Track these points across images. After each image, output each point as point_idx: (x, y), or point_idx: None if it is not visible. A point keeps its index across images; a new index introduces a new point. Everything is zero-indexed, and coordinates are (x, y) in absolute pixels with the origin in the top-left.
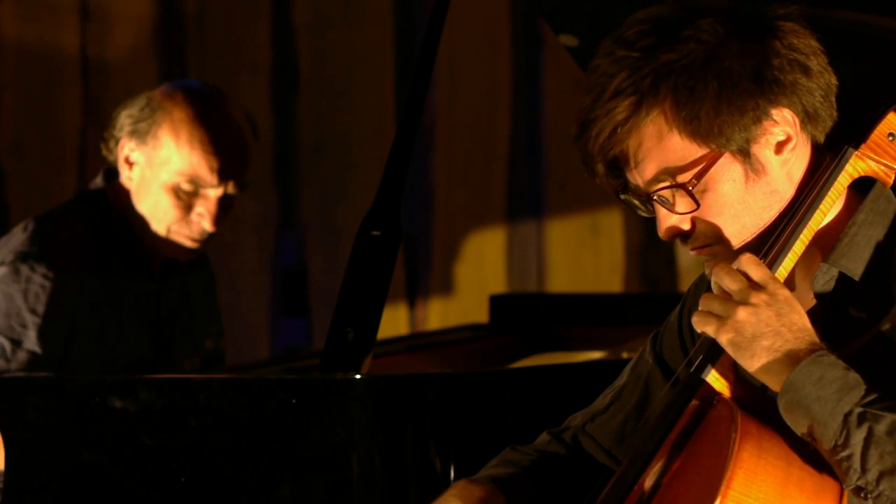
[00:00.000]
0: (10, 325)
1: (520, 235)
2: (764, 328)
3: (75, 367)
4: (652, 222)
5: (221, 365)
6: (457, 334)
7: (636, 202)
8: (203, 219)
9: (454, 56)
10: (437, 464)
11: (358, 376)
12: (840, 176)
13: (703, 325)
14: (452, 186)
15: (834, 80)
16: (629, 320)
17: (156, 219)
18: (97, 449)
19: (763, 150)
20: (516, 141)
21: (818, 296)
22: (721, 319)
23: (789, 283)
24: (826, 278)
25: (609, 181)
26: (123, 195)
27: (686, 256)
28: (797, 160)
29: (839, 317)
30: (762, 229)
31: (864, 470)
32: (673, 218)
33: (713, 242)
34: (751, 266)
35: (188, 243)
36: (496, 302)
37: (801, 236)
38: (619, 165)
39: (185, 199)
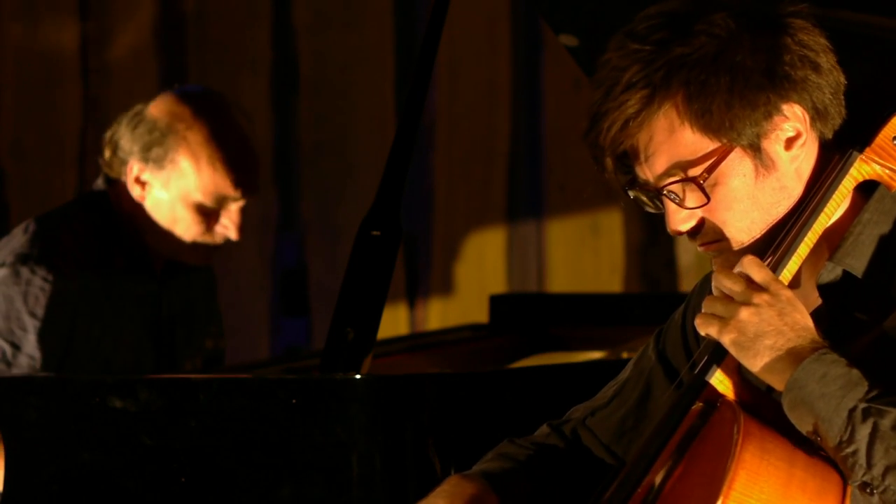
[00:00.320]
0: (10, 328)
1: (520, 235)
2: (766, 328)
3: (76, 369)
4: (652, 222)
5: (221, 365)
6: (457, 334)
7: (644, 198)
8: (228, 230)
9: (454, 56)
10: (436, 464)
11: (358, 376)
12: (845, 179)
13: (705, 327)
14: (452, 186)
15: (842, 79)
16: (629, 320)
17: (176, 233)
18: (97, 449)
19: (773, 145)
20: (516, 141)
21: (823, 294)
22: (723, 320)
23: (794, 282)
24: (831, 277)
25: (617, 177)
26: (125, 197)
27: (686, 256)
28: (806, 157)
29: (844, 315)
30: (770, 225)
31: (869, 465)
32: (682, 213)
33: (721, 238)
34: (752, 267)
35: (209, 251)
36: (496, 302)
37: (806, 239)
38: (627, 161)
39: (208, 213)
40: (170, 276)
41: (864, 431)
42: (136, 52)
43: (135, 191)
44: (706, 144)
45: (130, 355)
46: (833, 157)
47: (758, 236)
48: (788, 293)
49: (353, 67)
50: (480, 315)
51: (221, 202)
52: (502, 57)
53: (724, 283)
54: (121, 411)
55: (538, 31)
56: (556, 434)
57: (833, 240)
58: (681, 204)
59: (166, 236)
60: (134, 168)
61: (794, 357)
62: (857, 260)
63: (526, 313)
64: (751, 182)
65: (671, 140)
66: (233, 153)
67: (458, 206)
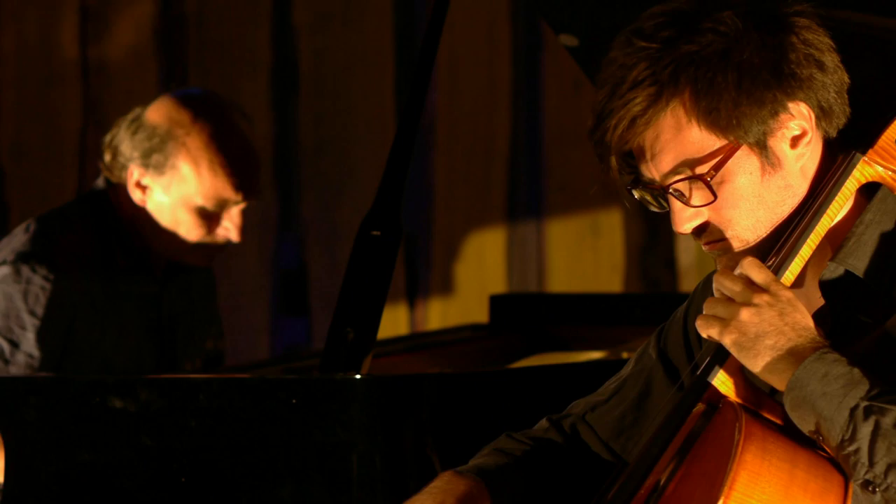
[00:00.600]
0: (9, 326)
1: (520, 235)
2: (767, 328)
3: (76, 369)
4: (652, 222)
5: (221, 365)
6: (457, 334)
7: (648, 197)
8: (229, 232)
9: (454, 56)
10: (436, 464)
11: (358, 376)
12: (847, 181)
13: (706, 329)
14: (452, 186)
15: (846, 78)
16: (629, 320)
17: (178, 235)
18: (97, 449)
19: (779, 143)
20: (516, 141)
21: (825, 295)
22: (724, 322)
23: (797, 282)
24: (833, 277)
25: (621, 176)
26: (125, 198)
27: (686, 256)
28: (811, 156)
29: (846, 315)
30: (775, 224)
31: (871, 463)
32: (688, 211)
33: (728, 236)
34: (752, 268)
35: (211, 252)
36: (496, 302)
37: (809, 240)
38: (631, 160)
39: (209, 216)
40: (170, 277)
41: (865, 430)
42: (136, 52)
43: (135, 195)
44: (713, 142)
45: (130, 355)
46: (837, 156)
47: (763, 235)
48: (789, 293)
49: (353, 67)
50: (480, 315)
51: (223, 205)
52: (502, 57)
53: (724, 285)
54: (121, 411)
55: (538, 31)
56: (555, 429)
57: (835, 240)
58: (687, 202)
59: (168, 239)
60: (134, 173)
61: (795, 357)
62: (859, 260)
63: (526, 313)
64: (757, 180)
65: (678, 138)
66: (233, 157)
67: (458, 206)
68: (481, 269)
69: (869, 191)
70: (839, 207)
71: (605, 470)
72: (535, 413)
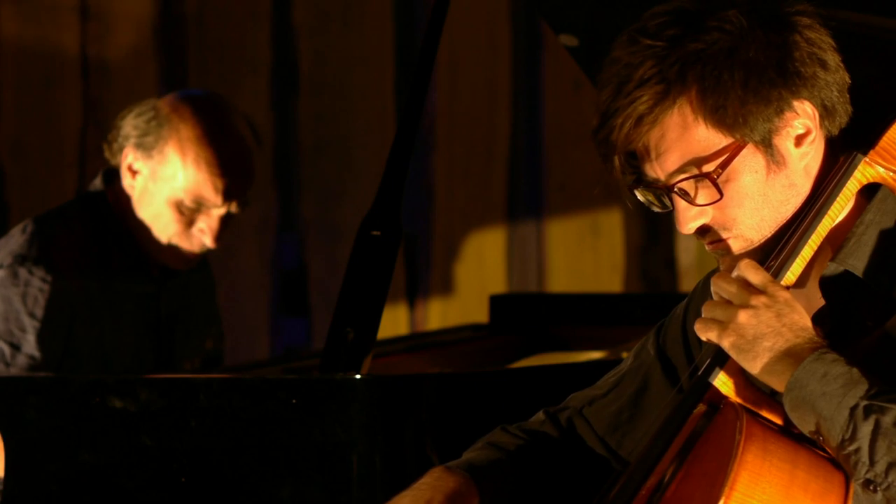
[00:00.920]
0: (9, 328)
1: (520, 235)
2: (765, 329)
3: (75, 369)
4: (652, 222)
5: (220, 365)
6: (457, 334)
7: (651, 197)
8: (204, 235)
9: (454, 56)
10: (436, 464)
11: (358, 376)
12: (849, 183)
13: (705, 332)
14: (452, 186)
15: (847, 78)
16: (629, 320)
17: (156, 229)
18: (97, 449)
19: (784, 142)
20: (516, 141)
21: (825, 295)
22: (722, 324)
23: (798, 283)
24: (833, 278)
25: (623, 176)
26: (123, 198)
27: (686, 256)
28: (814, 155)
29: (846, 316)
30: (780, 223)
31: (872, 462)
32: (692, 210)
33: (732, 236)
34: (749, 270)
35: (187, 255)
36: (496, 302)
37: (810, 241)
38: (633, 160)
39: (188, 214)
40: (168, 277)
41: (866, 429)
42: (136, 52)
43: (126, 179)
44: (719, 140)
45: (129, 355)
46: (839, 155)
47: (767, 234)
48: (786, 294)
49: (353, 67)
50: (480, 315)
51: (200, 203)
52: (502, 57)
53: (722, 287)
54: (121, 411)
55: (538, 31)
56: (551, 422)
57: (836, 240)
58: (691, 201)
59: (147, 233)
60: (129, 156)
61: (794, 358)
62: (859, 261)
63: (526, 313)
64: (762, 179)
65: (684, 136)
66: (221, 157)
67: (458, 206)
68: (481, 269)
69: (869, 191)
70: (840, 208)
71: (597, 465)
72: (534, 413)
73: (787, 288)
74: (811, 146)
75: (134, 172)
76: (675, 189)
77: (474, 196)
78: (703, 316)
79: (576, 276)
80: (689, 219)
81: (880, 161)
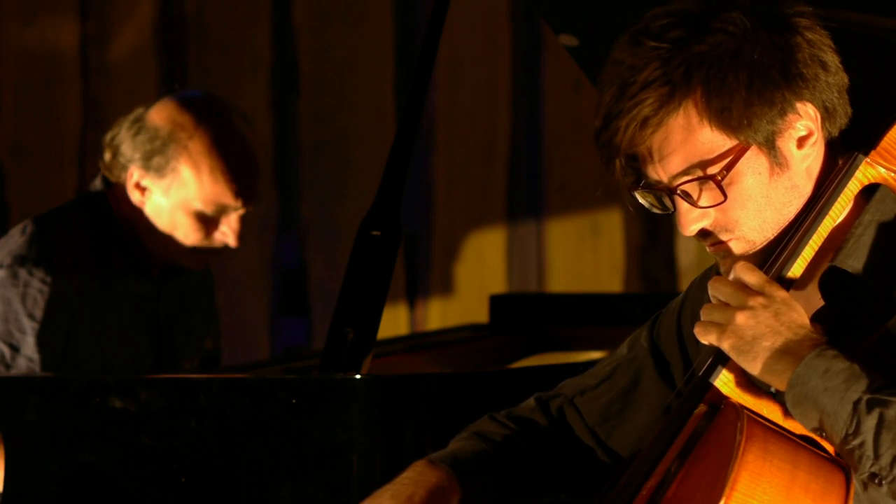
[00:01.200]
0: (9, 329)
1: (520, 235)
2: (763, 329)
3: (75, 369)
4: (652, 222)
5: (218, 365)
6: (457, 334)
7: (652, 199)
8: (227, 237)
9: (454, 56)
10: None
11: (358, 376)
12: (850, 183)
13: (704, 335)
14: (452, 186)
15: (846, 79)
16: (629, 320)
17: (175, 238)
18: (97, 449)
19: (787, 143)
20: (516, 141)
21: (825, 296)
22: (721, 327)
23: (798, 284)
24: (832, 278)
25: (623, 178)
26: (123, 199)
27: (686, 256)
28: (816, 156)
29: (846, 317)
30: (782, 225)
31: (877, 456)
32: (695, 212)
33: (734, 237)
34: (745, 272)
35: (207, 256)
36: (496, 302)
37: (811, 242)
38: (634, 162)
39: (207, 221)
40: (167, 277)
41: (870, 422)
42: (136, 52)
43: (134, 196)
44: (723, 142)
45: (129, 355)
46: (839, 157)
47: (769, 236)
48: (783, 294)
49: (353, 67)
50: (480, 315)
51: (222, 210)
52: (502, 57)
53: (719, 290)
54: (121, 411)
55: (538, 31)
56: (542, 409)
57: (836, 241)
58: (694, 203)
59: (165, 241)
60: (134, 174)
61: (794, 356)
62: (858, 261)
63: (526, 313)
64: (765, 181)
65: (689, 138)
66: (234, 162)
67: (458, 206)
68: (481, 269)
69: (868, 192)
70: (841, 209)
71: (585, 456)
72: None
73: (787, 289)
74: (813, 148)
75: (143, 189)
76: (678, 191)
77: (474, 196)
78: (701, 319)
79: (576, 276)
80: (692, 221)
81: (881, 161)
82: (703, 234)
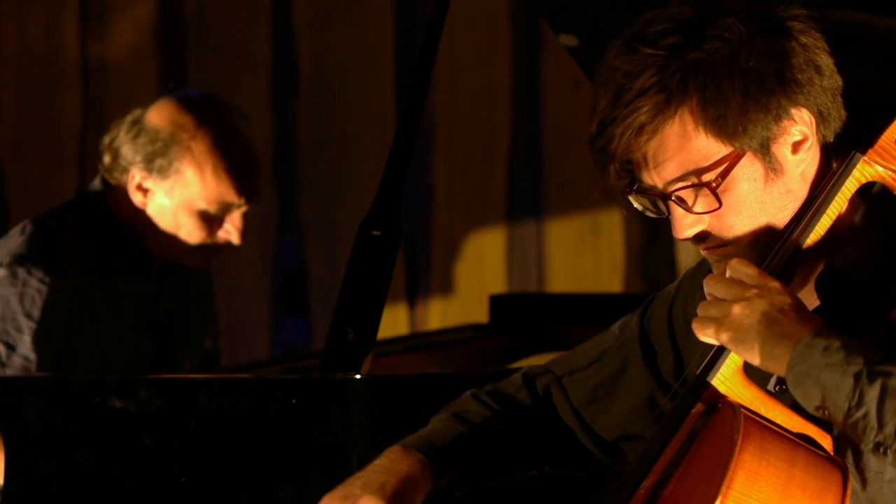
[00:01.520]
0: (6, 329)
1: (520, 235)
2: (760, 317)
3: (74, 369)
4: (652, 222)
5: (217, 365)
6: (457, 334)
7: (647, 203)
8: (231, 235)
9: (454, 56)
10: None
11: (358, 376)
12: (847, 181)
13: (702, 330)
14: (452, 186)
15: (840, 81)
16: None
17: (178, 238)
18: (97, 449)
19: (782, 149)
20: (516, 141)
21: (821, 297)
22: (718, 320)
23: (795, 283)
24: (830, 279)
25: (617, 182)
26: (123, 199)
27: (686, 256)
28: (810, 161)
29: (843, 317)
30: (777, 230)
31: (881, 425)
32: (689, 218)
33: (728, 243)
34: (738, 266)
35: (210, 254)
36: (496, 302)
37: (808, 241)
38: (629, 165)
39: (211, 220)
40: (167, 276)
41: (872, 393)
42: (136, 52)
43: (136, 197)
44: (718, 149)
45: (128, 355)
46: (834, 160)
47: (764, 241)
48: (777, 283)
49: (353, 67)
50: (480, 315)
51: (226, 209)
52: (502, 57)
53: (714, 286)
54: (121, 411)
55: (538, 31)
56: (527, 387)
57: (832, 241)
58: (689, 209)
59: (168, 241)
60: (136, 176)
61: (792, 339)
62: (855, 261)
63: (526, 313)
64: (760, 186)
65: (684, 146)
66: (236, 161)
67: (458, 206)
68: (481, 269)
69: (865, 191)
70: (839, 207)
71: (566, 438)
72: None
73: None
74: (808, 153)
75: (145, 191)
76: (673, 197)
77: (474, 196)
78: (698, 316)
79: (576, 276)
80: (686, 226)
81: (879, 160)
82: (699, 238)
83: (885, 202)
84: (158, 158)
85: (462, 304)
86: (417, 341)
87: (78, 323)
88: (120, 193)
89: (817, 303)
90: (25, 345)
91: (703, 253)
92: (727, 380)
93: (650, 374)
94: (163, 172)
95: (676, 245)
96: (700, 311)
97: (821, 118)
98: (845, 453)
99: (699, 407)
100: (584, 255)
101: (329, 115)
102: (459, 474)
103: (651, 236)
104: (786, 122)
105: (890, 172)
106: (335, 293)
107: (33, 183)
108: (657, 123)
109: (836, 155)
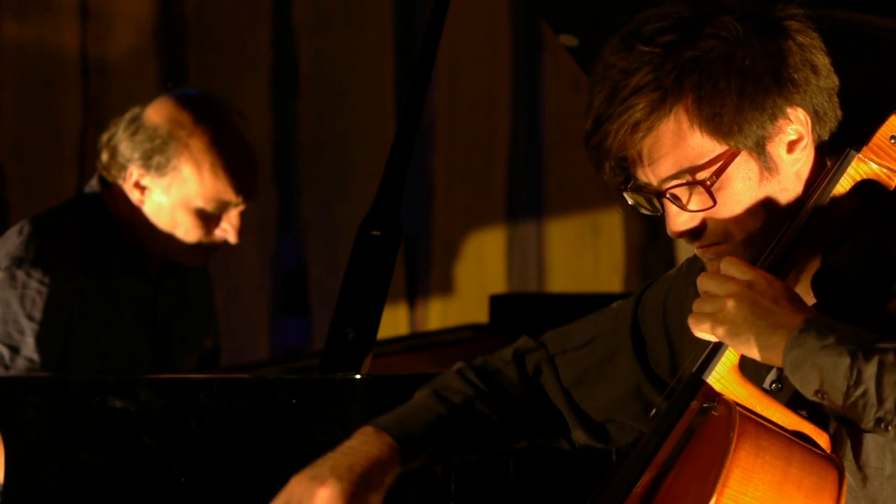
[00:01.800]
0: (8, 331)
1: (520, 235)
2: (755, 310)
3: (74, 369)
4: (652, 222)
5: (216, 364)
6: (457, 334)
7: (642, 200)
8: (228, 234)
9: (454, 56)
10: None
11: (358, 376)
12: (842, 179)
13: (697, 327)
14: (452, 186)
15: (836, 81)
16: None
17: (175, 236)
18: (97, 449)
19: (777, 148)
20: (516, 141)
21: (817, 294)
22: (713, 316)
23: (790, 282)
24: (825, 277)
25: (613, 178)
26: (120, 198)
27: (686, 256)
28: (805, 160)
29: (838, 315)
30: (771, 229)
31: (880, 401)
32: (684, 216)
33: (721, 241)
34: (731, 266)
35: (206, 253)
36: (496, 302)
37: (803, 239)
38: (624, 163)
39: (208, 218)
40: (164, 276)
41: (870, 370)
42: (136, 52)
43: (134, 195)
44: (713, 148)
45: (127, 355)
46: (829, 159)
47: (758, 240)
48: (769, 276)
49: (353, 67)
50: (480, 315)
51: (223, 207)
52: (502, 57)
53: (707, 284)
54: (121, 411)
55: (538, 31)
56: (516, 365)
57: (828, 238)
58: (683, 207)
59: (165, 239)
60: (134, 174)
61: (788, 328)
62: (850, 258)
63: (526, 313)
64: (755, 185)
65: (679, 144)
66: (234, 159)
67: (458, 206)
68: (481, 269)
69: (860, 192)
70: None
71: (552, 413)
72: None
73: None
74: (803, 152)
75: (143, 188)
76: (667, 194)
77: (474, 196)
78: (693, 312)
79: (576, 276)
80: (680, 224)
81: (873, 157)
82: (693, 235)
83: (880, 199)
84: (156, 156)
85: (462, 304)
86: (417, 341)
87: (77, 323)
88: (117, 193)
89: (813, 300)
90: (29, 346)
91: (698, 252)
92: (722, 378)
93: (638, 365)
94: (160, 170)
95: (676, 245)
96: (695, 307)
97: (816, 117)
98: (843, 450)
99: (695, 405)
100: (584, 255)
101: (329, 115)
102: (431, 456)
103: (651, 236)
104: (781, 122)
105: (885, 170)
106: (335, 293)
107: (33, 183)
108: (652, 121)
109: (832, 154)
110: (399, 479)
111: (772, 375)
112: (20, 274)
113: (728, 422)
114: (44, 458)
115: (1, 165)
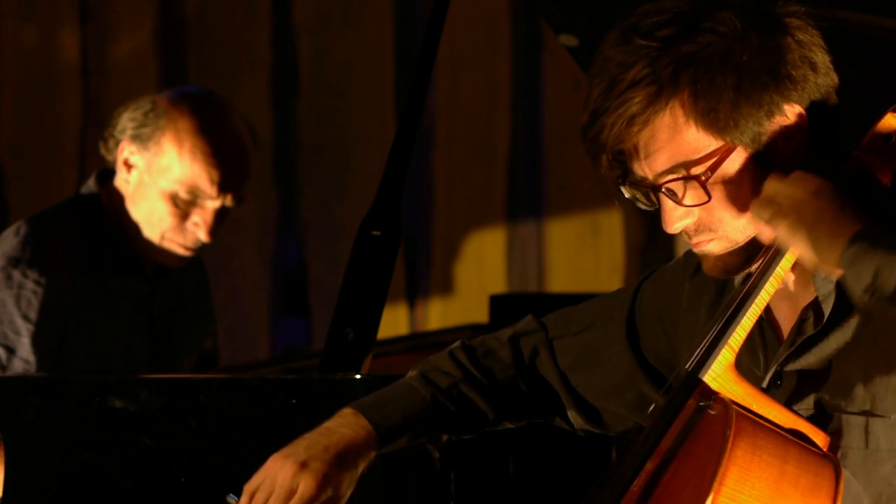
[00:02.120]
0: (4, 332)
1: (520, 235)
2: (820, 213)
3: (71, 369)
4: (652, 222)
5: (216, 364)
6: (457, 334)
7: (638, 195)
8: (199, 228)
9: (454, 56)
10: (436, 463)
11: (358, 376)
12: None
13: (760, 210)
14: (452, 186)
15: (835, 79)
16: None
17: (150, 224)
18: (97, 449)
19: (773, 144)
20: (516, 141)
21: (819, 292)
22: (779, 207)
23: (789, 276)
24: (825, 275)
25: (610, 172)
26: (117, 198)
27: None
28: (802, 157)
29: (840, 314)
30: None
31: None
32: (679, 210)
33: (717, 236)
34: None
35: (181, 251)
36: (496, 302)
37: None
38: (621, 156)
39: (183, 207)
40: (161, 276)
41: None
42: (136, 52)
43: (122, 174)
44: (709, 143)
45: (124, 355)
46: (825, 157)
47: (752, 235)
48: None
49: (353, 67)
50: (480, 315)
51: (195, 195)
52: (502, 57)
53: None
54: (121, 411)
55: (538, 31)
56: (511, 348)
57: None
58: (678, 202)
59: (142, 229)
60: (125, 150)
61: (848, 230)
62: None
63: (526, 313)
64: (750, 181)
65: (675, 138)
66: (218, 149)
67: (458, 206)
68: (481, 269)
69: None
70: None
71: (547, 395)
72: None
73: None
74: (799, 149)
75: (130, 167)
76: (663, 189)
77: (474, 196)
78: (760, 198)
79: (576, 276)
80: (676, 219)
81: (870, 156)
82: (688, 230)
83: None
84: (146, 127)
85: (462, 304)
86: (417, 341)
87: (74, 323)
88: (113, 193)
89: (814, 295)
90: (25, 347)
91: (693, 247)
92: (719, 376)
93: (632, 356)
94: (145, 142)
95: (676, 244)
96: (764, 193)
97: (814, 115)
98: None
99: (691, 403)
100: (584, 255)
101: (329, 115)
102: (410, 439)
103: (651, 236)
104: (778, 118)
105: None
106: (335, 293)
107: (33, 183)
108: (648, 115)
109: (829, 151)
110: (399, 477)
111: (769, 376)
112: (16, 274)
113: (725, 420)
114: (44, 458)
115: (1, 165)
